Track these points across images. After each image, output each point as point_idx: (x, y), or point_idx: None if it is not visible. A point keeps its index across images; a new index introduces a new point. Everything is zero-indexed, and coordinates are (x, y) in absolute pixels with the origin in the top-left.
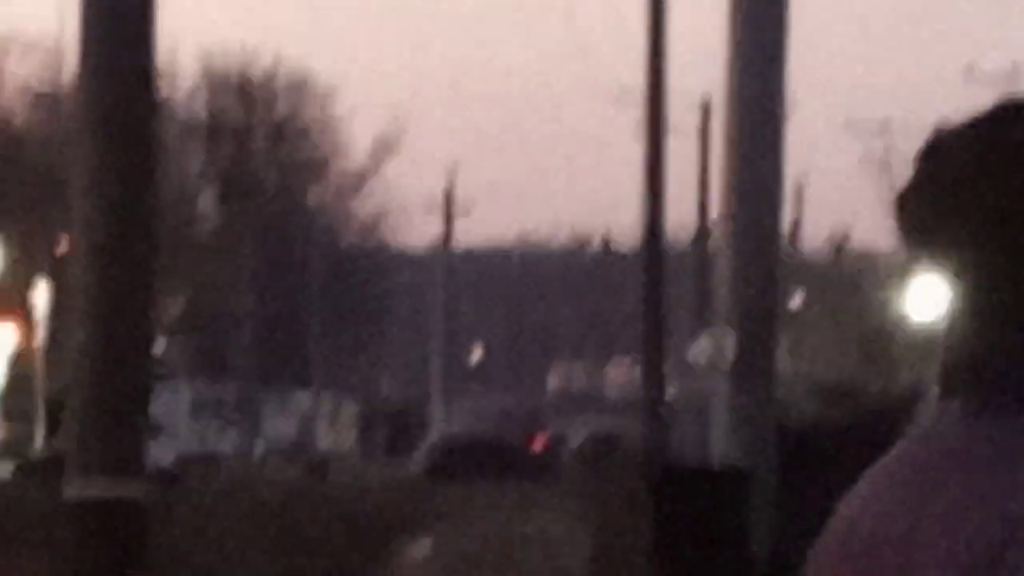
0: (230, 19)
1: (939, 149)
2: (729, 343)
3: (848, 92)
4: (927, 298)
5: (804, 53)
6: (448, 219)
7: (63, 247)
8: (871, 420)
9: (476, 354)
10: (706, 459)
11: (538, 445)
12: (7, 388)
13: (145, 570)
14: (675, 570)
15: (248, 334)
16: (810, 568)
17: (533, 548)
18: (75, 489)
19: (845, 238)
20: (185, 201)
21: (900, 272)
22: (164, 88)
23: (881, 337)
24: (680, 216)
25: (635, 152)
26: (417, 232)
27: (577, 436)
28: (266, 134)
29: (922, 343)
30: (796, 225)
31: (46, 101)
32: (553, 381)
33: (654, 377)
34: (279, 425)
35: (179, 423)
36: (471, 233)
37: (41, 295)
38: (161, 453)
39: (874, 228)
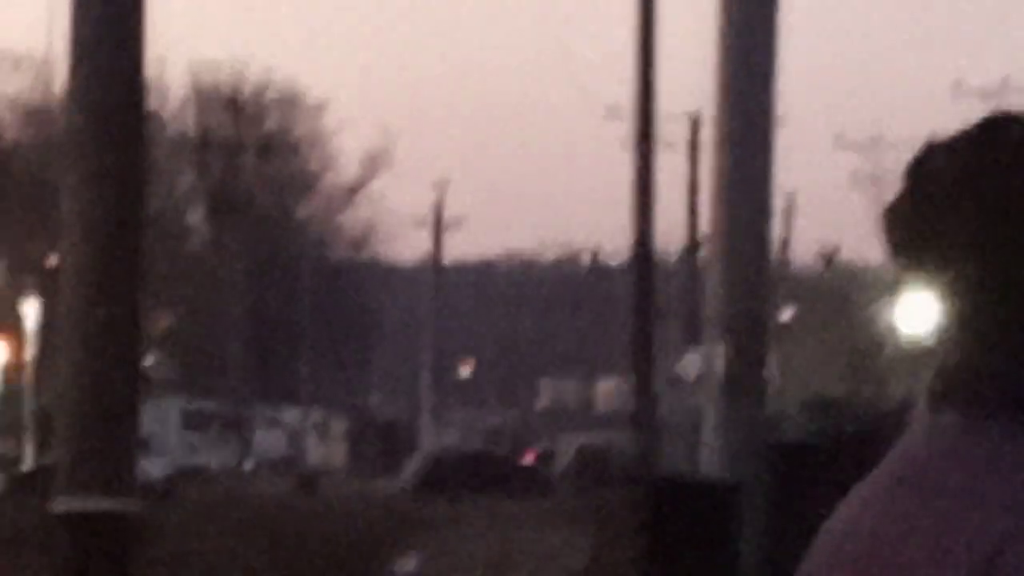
0: (220, 34)
1: (927, 164)
2: (719, 357)
3: (838, 107)
4: (917, 312)
5: (794, 68)
6: (438, 234)
7: (53, 261)
8: (861, 433)
9: (466, 369)
10: (697, 473)
11: (528, 460)
12: None
13: None
14: None
15: (238, 349)
16: (804, 569)
17: (523, 563)
18: (64, 503)
19: (835, 252)
20: (175, 215)
21: (890, 286)
22: (154, 103)
23: (871, 351)
24: (670, 230)
25: (625, 166)
26: (407, 247)
27: (567, 451)
28: (256, 149)
29: (912, 356)
30: (786, 239)
31: (36, 115)
32: (543, 396)
33: (644, 391)
34: (269, 440)
35: (169, 438)
36: (461, 248)
37: (31, 308)
38: (151, 467)
39: (864, 242)
